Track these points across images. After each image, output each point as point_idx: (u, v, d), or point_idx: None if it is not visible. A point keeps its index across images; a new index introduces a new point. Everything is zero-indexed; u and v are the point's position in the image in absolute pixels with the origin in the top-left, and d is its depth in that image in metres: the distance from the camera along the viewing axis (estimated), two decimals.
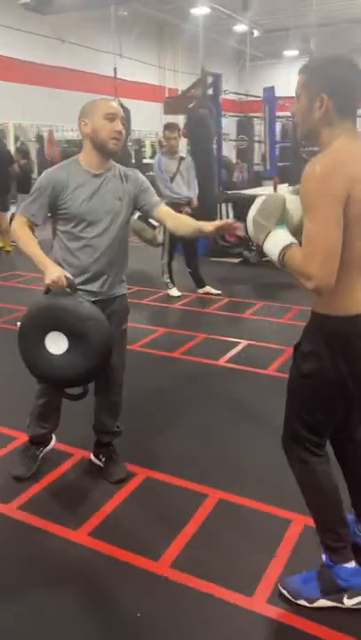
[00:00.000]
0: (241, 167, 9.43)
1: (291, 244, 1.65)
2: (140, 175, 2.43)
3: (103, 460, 2.64)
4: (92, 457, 2.71)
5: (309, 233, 1.56)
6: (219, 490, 2.49)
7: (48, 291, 2.21)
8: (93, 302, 2.27)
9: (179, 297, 5.78)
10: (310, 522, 1.96)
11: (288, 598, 1.87)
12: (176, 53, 16.20)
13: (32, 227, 2.29)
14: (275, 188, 7.77)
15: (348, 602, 1.81)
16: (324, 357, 1.69)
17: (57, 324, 2.19)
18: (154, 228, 6.23)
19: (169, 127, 5.58)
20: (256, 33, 15.82)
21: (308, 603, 1.84)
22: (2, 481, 2.56)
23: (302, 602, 1.84)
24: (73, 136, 13.59)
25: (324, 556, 1.87)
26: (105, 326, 2.21)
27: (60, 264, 2.29)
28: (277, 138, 10.69)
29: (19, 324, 2.31)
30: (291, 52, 17.83)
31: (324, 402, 1.76)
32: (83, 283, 2.31)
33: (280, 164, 9.26)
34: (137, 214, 6.62)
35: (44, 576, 2.04)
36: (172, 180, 5.50)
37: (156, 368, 4.00)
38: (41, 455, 2.66)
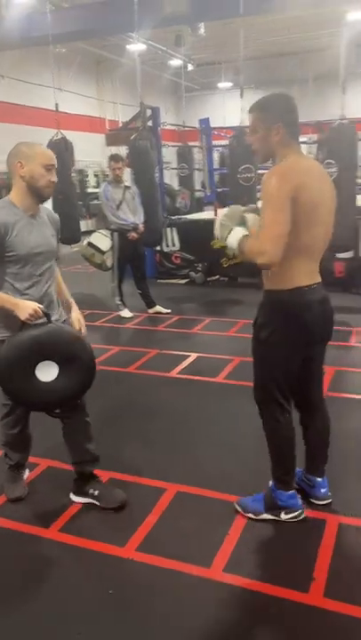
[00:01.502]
0: (184, 194, 9.87)
1: (246, 235, 2.14)
2: (59, 220, 2.56)
3: (96, 492, 2.57)
4: (80, 498, 2.60)
5: (266, 220, 2.04)
6: (177, 483, 2.74)
7: (23, 325, 2.22)
8: None
9: (130, 317, 6.04)
10: None
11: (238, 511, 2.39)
12: (114, 86, 16.72)
13: None
14: (215, 213, 8.23)
15: (284, 516, 2.36)
16: (276, 324, 2.18)
17: (45, 353, 2.22)
18: (103, 252, 6.56)
19: (114, 158, 5.90)
20: (190, 66, 16.58)
21: (255, 515, 2.39)
22: None
23: (250, 514, 2.40)
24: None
25: (271, 483, 2.39)
26: (87, 342, 2.35)
27: None
28: (216, 165, 11.27)
29: None
30: (224, 84, 18.79)
31: (281, 362, 2.23)
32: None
33: (219, 190, 9.78)
34: (86, 240, 6.90)
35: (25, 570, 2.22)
36: (118, 207, 5.80)
37: (113, 383, 4.22)
38: (26, 474, 2.80)
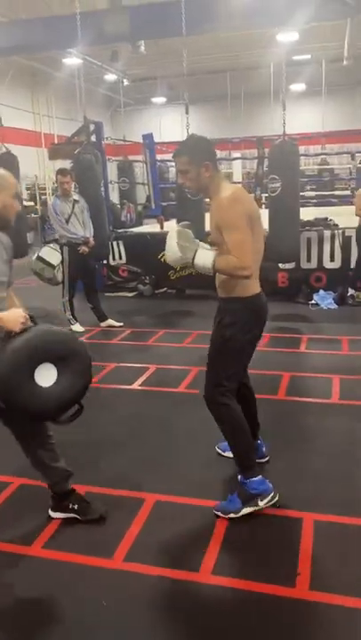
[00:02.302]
0: (128, 207, 9.95)
1: (215, 254, 2.40)
2: (10, 243, 2.43)
3: (76, 507, 2.58)
4: (58, 514, 2.60)
5: (237, 239, 2.34)
6: (155, 493, 2.79)
7: (10, 335, 2.15)
8: None
9: (82, 332, 6.01)
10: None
11: (219, 515, 2.54)
12: (49, 100, 16.60)
13: None
14: (161, 226, 8.37)
15: (262, 503, 2.55)
16: (242, 323, 2.52)
17: (43, 356, 2.16)
18: (53, 267, 6.50)
19: (61, 172, 5.89)
20: (126, 82, 16.75)
21: (235, 514, 2.53)
22: None
23: (232, 515, 2.53)
24: None
25: (239, 477, 2.59)
26: (80, 340, 2.38)
27: None
28: None
29: None
30: (159, 99, 19.10)
31: (241, 355, 2.61)
32: None
33: (163, 204, 9.93)
34: (35, 254, 6.82)
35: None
36: (67, 221, 5.79)
37: None
38: None
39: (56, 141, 14.98)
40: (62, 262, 6.03)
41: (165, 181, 12.55)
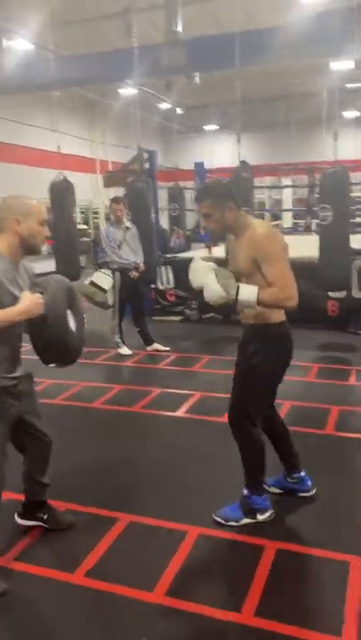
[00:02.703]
0: (178, 233, 10.09)
1: (257, 288, 2.44)
2: (31, 266, 2.49)
3: (45, 516, 2.69)
4: (26, 521, 2.71)
5: (279, 272, 2.45)
6: (197, 526, 2.76)
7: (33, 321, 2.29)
8: (16, 386, 2.39)
9: (130, 355, 6.09)
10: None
11: (219, 521, 2.72)
12: (105, 128, 17.18)
13: None
14: (210, 251, 8.42)
15: (261, 517, 2.73)
16: (267, 352, 2.59)
17: (70, 300, 2.45)
18: (105, 291, 6.64)
19: (115, 200, 6.06)
20: (179, 110, 17.15)
21: (236, 522, 2.71)
22: None
23: (232, 522, 2.71)
24: None
25: (245, 491, 2.73)
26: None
27: None
28: None
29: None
30: (211, 127, 19.43)
31: (267, 383, 2.68)
32: (11, 371, 2.36)
33: None
34: (88, 279, 6.99)
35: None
36: (119, 247, 5.93)
37: (120, 423, 4.24)
38: None
39: (110, 168, 15.46)
40: (113, 287, 6.16)
41: None
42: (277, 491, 3.00)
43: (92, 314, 7.59)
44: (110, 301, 6.36)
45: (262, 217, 16.04)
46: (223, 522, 2.72)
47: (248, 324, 2.67)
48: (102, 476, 3.37)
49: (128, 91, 13.65)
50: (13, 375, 2.39)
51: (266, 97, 16.83)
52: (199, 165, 9.72)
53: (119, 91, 14.34)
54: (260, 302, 2.45)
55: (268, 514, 2.75)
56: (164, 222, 11.47)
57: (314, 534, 2.70)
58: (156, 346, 6.28)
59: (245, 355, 2.65)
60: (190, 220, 11.04)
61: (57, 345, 2.38)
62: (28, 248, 2.30)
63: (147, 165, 7.67)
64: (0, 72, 9.40)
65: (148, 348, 6.28)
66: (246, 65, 6.85)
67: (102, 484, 3.27)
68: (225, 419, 4.23)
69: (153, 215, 7.44)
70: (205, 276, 2.53)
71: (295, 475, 2.96)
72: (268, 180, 16.09)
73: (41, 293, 2.28)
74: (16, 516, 2.73)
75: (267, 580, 2.34)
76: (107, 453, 3.68)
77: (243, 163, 7.11)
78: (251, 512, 2.72)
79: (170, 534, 2.71)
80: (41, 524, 2.71)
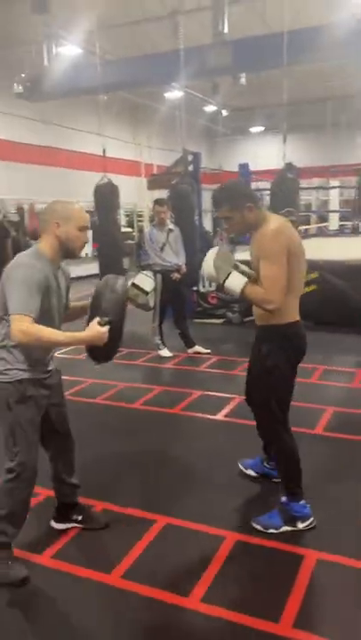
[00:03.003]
0: (221, 235, 10.03)
1: (247, 281, 2.47)
2: (69, 270, 2.54)
3: (80, 517, 2.73)
4: (61, 524, 2.73)
5: (269, 272, 2.43)
6: (235, 531, 2.72)
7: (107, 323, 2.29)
8: (45, 382, 2.42)
9: (170, 357, 6.08)
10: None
11: (258, 528, 2.67)
12: (151, 131, 17.31)
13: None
14: None
15: (301, 525, 2.66)
16: (279, 352, 2.59)
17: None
18: (146, 293, 6.64)
19: (159, 202, 6.07)
20: (225, 112, 17.09)
21: (276, 530, 2.65)
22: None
23: (272, 530, 2.65)
24: None
25: (284, 498, 2.69)
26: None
27: (10, 354, 2.30)
28: None
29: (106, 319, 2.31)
30: (256, 129, 19.27)
31: (285, 382, 2.66)
32: (38, 371, 2.37)
33: None
34: (130, 281, 6.98)
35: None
36: (161, 249, 5.94)
37: (160, 424, 4.23)
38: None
39: (155, 170, 15.56)
40: (155, 289, 6.15)
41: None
42: (253, 474, 3.22)
43: (134, 315, 7.65)
44: (152, 303, 6.34)
45: (308, 219, 15.81)
46: (263, 529, 2.68)
47: (258, 325, 2.70)
48: (140, 478, 3.37)
49: (174, 94, 13.69)
50: (47, 369, 2.47)
51: (313, 98, 16.54)
52: (244, 167, 9.64)
53: (165, 94, 14.42)
54: (244, 296, 2.50)
55: (308, 521, 2.69)
56: (208, 224, 11.45)
57: (358, 545, 2.61)
58: (197, 348, 6.25)
59: (259, 356, 2.68)
60: None
61: (106, 356, 2.45)
62: (66, 252, 2.35)
63: (191, 167, 7.66)
64: (49, 78, 9.62)
65: (189, 351, 6.25)
66: (293, 64, 6.76)
67: (140, 485, 3.27)
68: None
69: (196, 217, 7.42)
70: (208, 256, 2.61)
71: (272, 462, 3.10)
72: (315, 182, 15.82)
73: (109, 324, 2.27)
74: (51, 521, 2.75)
75: (306, 591, 2.28)
76: (145, 455, 3.67)
77: (288, 164, 7.01)
78: (291, 520, 2.68)
79: (207, 539, 2.67)
80: (76, 525, 2.74)
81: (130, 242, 14.84)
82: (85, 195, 7.77)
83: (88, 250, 15.50)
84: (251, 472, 3.25)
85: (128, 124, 16.80)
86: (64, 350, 6.41)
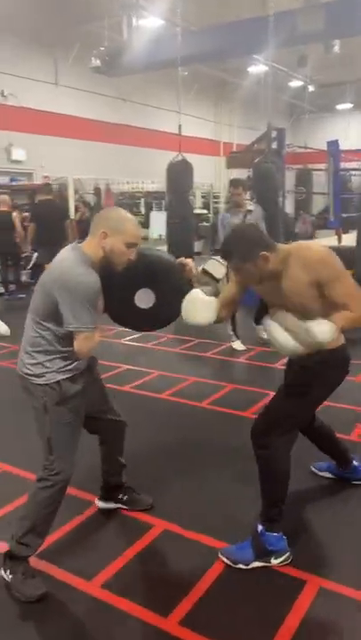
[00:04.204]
0: (304, 219, 9.39)
1: (331, 321, 2.11)
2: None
3: (125, 497, 2.74)
4: (107, 504, 2.75)
5: (348, 290, 2.16)
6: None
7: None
8: (81, 370, 2.28)
9: (243, 350, 5.64)
10: None
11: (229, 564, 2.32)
12: (232, 109, 16.67)
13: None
14: (339, 239, 7.67)
15: (275, 561, 2.32)
16: (322, 374, 2.30)
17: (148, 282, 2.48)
18: (217, 280, 6.22)
19: (233, 183, 5.61)
20: (311, 88, 16.14)
21: (245, 565, 2.31)
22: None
23: (240, 565, 2.30)
24: (127, 188, 14.09)
25: (259, 527, 2.34)
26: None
27: (47, 352, 2.17)
28: None
29: None
30: (344, 106, 18.09)
31: (313, 406, 2.46)
32: (72, 364, 2.23)
33: (343, 215, 9.16)
34: (200, 267, 6.54)
35: None
36: None
37: (229, 427, 3.82)
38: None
39: (235, 150, 14.95)
40: (227, 276, 5.71)
41: (348, 192, 11.66)
42: (329, 475, 3.00)
43: None
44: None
45: None
46: (230, 563, 2.32)
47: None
48: (195, 489, 2.98)
49: (258, 68, 13.00)
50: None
51: None
52: (333, 144, 8.87)
53: (249, 69, 13.73)
54: (344, 329, 2.17)
55: (283, 557, 2.33)
56: (289, 207, 10.78)
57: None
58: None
59: (299, 376, 2.38)
60: (318, 204, 10.22)
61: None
62: (107, 263, 2.20)
63: (274, 145, 7.08)
64: (128, 52, 9.30)
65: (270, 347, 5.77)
66: None
67: (194, 496, 2.89)
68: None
69: (280, 199, 6.87)
70: (275, 330, 2.12)
71: (351, 465, 2.93)
72: None
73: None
74: (96, 500, 2.76)
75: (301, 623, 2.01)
76: (207, 462, 3.28)
77: None
78: (264, 554, 2.32)
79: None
80: (121, 505, 2.74)
81: (205, 224, 14.40)
82: (163, 175, 7.42)
83: (162, 231, 15.22)
84: (327, 474, 3.04)
85: (208, 101, 16.27)
86: (130, 337, 6.15)
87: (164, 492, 2.96)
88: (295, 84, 15.74)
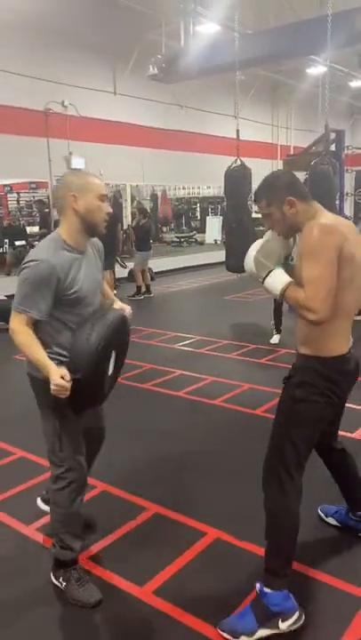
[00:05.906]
0: None
1: (290, 282, 1.95)
2: (100, 243, 2.34)
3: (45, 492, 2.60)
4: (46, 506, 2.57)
5: (312, 274, 1.87)
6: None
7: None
8: None
9: (277, 344, 5.78)
10: None
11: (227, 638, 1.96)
12: (289, 111, 16.46)
13: (31, 324, 2.05)
14: None
15: (283, 625, 1.96)
16: (315, 387, 2.01)
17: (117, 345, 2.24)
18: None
19: None
20: None
21: (249, 637, 1.95)
22: None
23: (243, 637, 1.94)
24: (183, 194, 14.16)
25: (258, 586, 2.00)
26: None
27: (48, 345, 2.10)
28: None
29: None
30: None
31: (315, 423, 2.07)
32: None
33: None
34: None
35: None
36: None
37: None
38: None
39: (292, 153, 14.74)
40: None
41: None
42: (335, 523, 2.60)
43: (259, 305, 7.12)
44: None
45: None
46: (231, 637, 1.96)
47: (299, 353, 2.12)
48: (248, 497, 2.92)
49: (316, 70, 12.77)
50: None
51: None
52: None
53: (307, 71, 13.50)
54: (284, 298, 1.99)
55: (294, 619, 1.97)
56: (348, 210, 10.50)
57: None
58: None
59: (289, 385, 2.09)
60: None
61: (73, 409, 2.12)
62: (89, 227, 2.12)
63: (332, 147, 6.92)
64: (185, 58, 9.35)
65: None
66: None
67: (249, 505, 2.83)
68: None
69: (337, 202, 6.69)
70: (252, 247, 2.11)
71: (359, 513, 2.50)
72: None
73: (76, 381, 1.99)
74: (38, 499, 2.68)
75: None
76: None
77: None
78: (268, 618, 1.96)
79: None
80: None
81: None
82: (219, 180, 7.40)
83: (217, 236, 15.24)
84: (331, 520, 2.64)
85: (265, 104, 16.12)
86: (185, 342, 6.14)
87: (216, 499, 2.92)
88: (355, 83, 15.33)
